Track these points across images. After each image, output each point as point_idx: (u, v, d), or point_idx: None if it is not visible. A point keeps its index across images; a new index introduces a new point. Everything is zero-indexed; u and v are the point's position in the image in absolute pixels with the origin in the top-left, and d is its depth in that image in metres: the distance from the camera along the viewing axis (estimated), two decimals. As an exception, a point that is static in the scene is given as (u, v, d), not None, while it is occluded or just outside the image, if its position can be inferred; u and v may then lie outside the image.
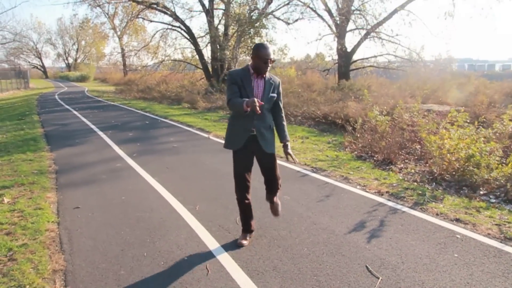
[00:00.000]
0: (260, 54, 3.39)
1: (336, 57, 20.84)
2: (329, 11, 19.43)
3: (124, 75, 31.59)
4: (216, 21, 18.47)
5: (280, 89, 3.69)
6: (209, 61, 19.53)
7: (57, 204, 5.01)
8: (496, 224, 4.22)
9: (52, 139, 9.66)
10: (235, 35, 15.69)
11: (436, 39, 27.96)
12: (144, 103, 18.78)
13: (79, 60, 68.01)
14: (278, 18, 16.19)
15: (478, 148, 5.74)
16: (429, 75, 16.14)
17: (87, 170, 6.66)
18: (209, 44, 18.62)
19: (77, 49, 68.81)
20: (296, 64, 27.46)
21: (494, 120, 7.99)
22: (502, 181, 5.38)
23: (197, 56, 20.09)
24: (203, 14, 18.47)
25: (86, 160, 7.40)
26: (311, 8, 18.93)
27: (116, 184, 5.75)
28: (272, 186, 3.83)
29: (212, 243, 3.82)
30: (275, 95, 3.60)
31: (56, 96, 25.53)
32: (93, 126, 11.77)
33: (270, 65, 3.44)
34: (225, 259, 3.52)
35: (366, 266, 3.36)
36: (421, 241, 3.85)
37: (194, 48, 19.95)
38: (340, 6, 18.78)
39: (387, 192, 5.39)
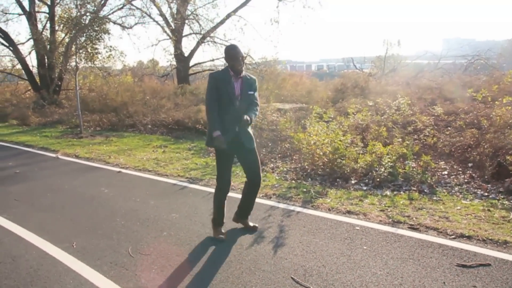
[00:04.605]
0: (231, 55, 3.72)
1: (174, 62, 20.61)
2: (163, 16, 19.00)
3: None
4: (40, 26, 16.05)
5: (256, 85, 3.93)
6: (36, 70, 16.92)
7: None
8: (381, 210, 4.56)
9: None
10: (65, 40, 13.86)
11: (266, 43, 30.24)
12: (-45, 124, 15.13)
13: None
14: (115, 22, 14.98)
15: (341, 141, 6.21)
16: (267, 76, 17.15)
17: None
18: (33, 52, 16.09)
19: None
20: (131, 70, 26.19)
21: (335, 114, 8.81)
22: (366, 168, 5.93)
23: (19, 66, 17.18)
24: (24, 18, 15.80)
25: None
26: (146, 14, 18.20)
27: None
28: (254, 184, 4.01)
29: (110, 287, 3.11)
30: (252, 92, 3.85)
31: None
32: None
33: (243, 62, 3.71)
34: (135, 305, 2.90)
35: (292, 278, 3.17)
36: (329, 239, 3.87)
37: (15, 56, 16.99)
38: (174, 11, 18.56)
39: (273, 194, 5.37)
